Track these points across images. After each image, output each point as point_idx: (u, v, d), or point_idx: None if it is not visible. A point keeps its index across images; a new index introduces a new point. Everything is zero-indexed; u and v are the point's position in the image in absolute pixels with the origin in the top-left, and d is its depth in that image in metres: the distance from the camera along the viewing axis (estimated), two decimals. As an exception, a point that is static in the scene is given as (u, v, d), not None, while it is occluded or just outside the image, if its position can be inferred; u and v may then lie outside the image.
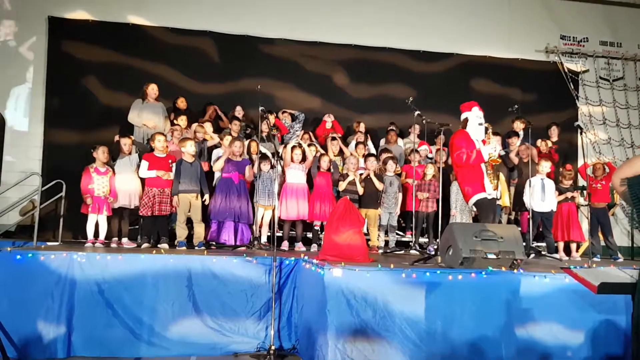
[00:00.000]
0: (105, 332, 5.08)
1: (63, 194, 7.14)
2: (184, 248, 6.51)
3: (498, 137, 8.18)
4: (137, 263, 5.26)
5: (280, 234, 7.44)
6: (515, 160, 8.19)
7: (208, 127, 8.12)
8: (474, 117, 6.26)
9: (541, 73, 10.62)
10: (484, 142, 6.28)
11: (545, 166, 7.80)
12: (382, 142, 9.30)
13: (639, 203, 2.06)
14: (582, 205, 8.44)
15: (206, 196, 6.90)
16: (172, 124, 8.12)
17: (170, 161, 6.96)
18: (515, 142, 8.38)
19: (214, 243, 7.11)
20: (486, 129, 6.30)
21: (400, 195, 7.81)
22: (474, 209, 6.62)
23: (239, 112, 8.78)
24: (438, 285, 4.64)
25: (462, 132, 6.28)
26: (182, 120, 8.06)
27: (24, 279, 5.06)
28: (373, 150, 8.89)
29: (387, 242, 7.82)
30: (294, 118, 9.04)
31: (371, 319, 4.48)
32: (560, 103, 10.55)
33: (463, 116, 6.36)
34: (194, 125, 8.04)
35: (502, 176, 7.93)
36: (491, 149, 6.19)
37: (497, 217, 6.56)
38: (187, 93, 9.09)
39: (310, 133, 8.80)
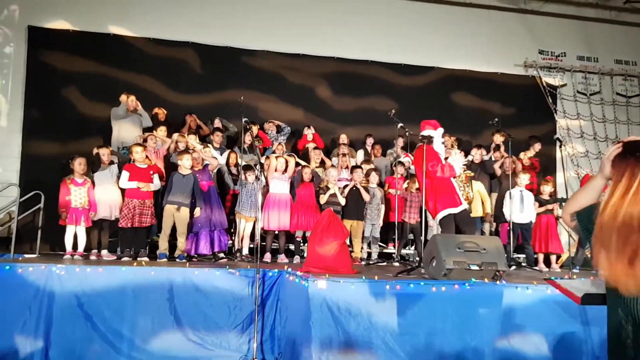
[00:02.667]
0: (84, 346, 4.99)
1: (41, 205, 7.04)
2: (165, 260, 6.45)
3: (481, 149, 8.38)
4: (118, 275, 5.20)
5: (263, 245, 7.39)
6: (498, 172, 8.31)
7: (192, 138, 8.08)
8: (438, 137, 6.43)
9: (520, 87, 10.76)
10: (446, 159, 6.43)
11: (524, 178, 7.90)
12: (360, 154, 9.30)
13: (589, 235, 2.12)
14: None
15: (197, 209, 6.87)
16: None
17: (151, 172, 6.92)
18: (499, 156, 8.49)
19: (196, 256, 7.07)
20: (452, 145, 6.48)
21: (382, 207, 7.85)
22: (439, 226, 6.68)
23: (217, 123, 8.82)
24: (422, 296, 4.64)
25: (429, 147, 6.36)
26: (162, 131, 7.99)
27: (0, 292, 4.95)
28: (354, 163, 8.86)
29: (369, 254, 7.85)
30: (279, 130, 9.05)
31: (355, 331, 4.47)
32: (539, 116, 10.71)
33: (427, 132, 6.45)
34: (175, 136, 7.98)
35: (480, 185, 8.05)
36: (462, 162, 6.35)
37: (475, 228, 6.64)
38: (169, 104, 9.05)
39: (284, 145, 8.77)
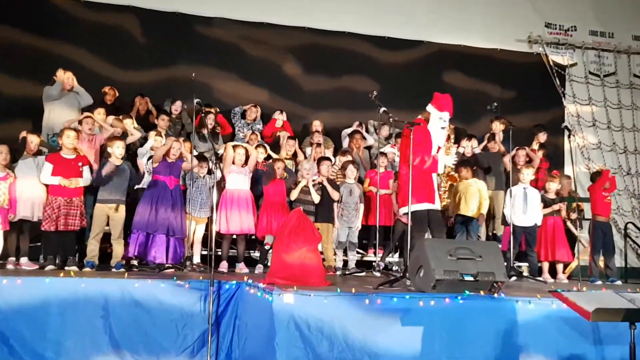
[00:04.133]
0: (-2, 374, 4.92)
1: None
2: (91, 269, 6.43)
3: (472, 140, 8.45)
4: (40, 288, 5.12)
5: (218, 253, 7.34)
6: (509, 167, 8.21)
7: (128, 122, 8.05)
8: (438, 120, 6.44)
9: (523, 66, 10.88)
10: (438, 149, 6.47)
11: (528, 173, 7.96)
12: (345, 145, 9.35)
13: None
14: (572, 220, 8.67)
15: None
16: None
17: (80, 164, 6.83)
18: (493, 147, 8.58)
19: (136, 263, 7.02)
20: (448, 136, 6.47)
21: (362, 207, 7.86)
22: (405, 220, 6.72)
23: (176, 107, 8.84)
24: (407, 312, 4.65)
25: (424, 128, 6.41)
26: (100, 114, 7.92)
27: None
28: (330, 154, 8.96)
29: (345, 262, 7.87)
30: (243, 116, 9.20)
31: (328, 354, 4.47)
32: (544, 101, 10.86)
33: (430, 109, 6.50)
34: (110, 119, 7.91)
35: (481, 184, 8.12)
36: (450, 161, 6.44)
37: (443, 232, 6.78)
38: (107, 81, 9.03)
39: (258, 133, 8.85)
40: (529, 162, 8.58)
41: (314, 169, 7.79)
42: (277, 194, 7.49)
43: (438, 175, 6.41)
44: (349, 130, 9.39)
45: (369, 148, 9.37)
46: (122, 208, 6.76)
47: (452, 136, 6.52)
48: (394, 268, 8.17)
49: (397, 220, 7.63)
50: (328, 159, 8.09)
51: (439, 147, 6.51)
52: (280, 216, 7.31)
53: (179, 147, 7.18)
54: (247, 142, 8.31)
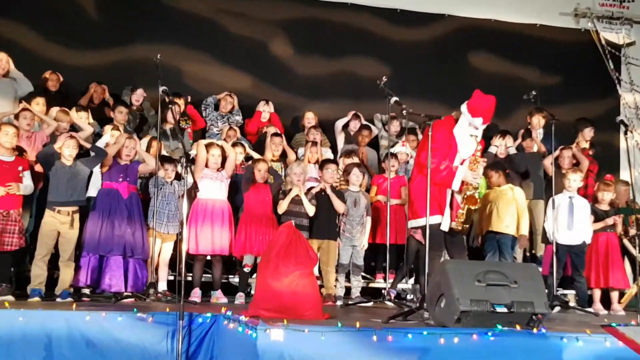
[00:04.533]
0: None
1: None
2: (37, 299, 6.40)
3: (506, 138, 8.39)
4: (-33, 323, 5.12)
5: (189, 278, 7.29)
6: (550, 170, 8.13)
7: (82, 114, 8.08)
8: (467, 125, 6.41)
9: (568, 46, 10.91)
10: (462, 161, 6.45)
11: (575, 179, 7.91)
12: (341, 140, 9.39)
13: None
14: (629, 237, 8.54)
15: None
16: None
17: (21, 168, 6.83)
18: (530, 145, 8.58)
19: (87, 292, 7.00)
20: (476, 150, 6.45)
21: (369, 220, 7.83)
22: (416, 236, 6.88)
23: (137, 97, 8.91)
24: (425, 352, 4.61)
25: (448, 127, 6.42)
26: (38, 105, 7.91)
27: None
28: (330, 155, 9.03)
29: (348, 290, 7.84)
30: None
31: (326, 404, 4.46)
32: (595, 89, 10.87)
33: (463, 108, 6.44)
34: (54, 110, 7.90)
35: (518, 192, 8.05)
36: (473, 178, 6.37)
37: (464, 254, 6.80)
38: (52, 65, 9.03)
39: (237, 128, 8.87)
40: (576, 164, 8.58)
41: (307, 174, 7.79)
42: (259, 203, 7.45)
43: (457, 193, 6.40)
44: (343, 121, 9.43)
45: (376, 147, 9.37)
46: (77, 223, 6.80)
47: (480, 148, 6.47)
48: (409, 297, 8.14)
49: (409, 237, 7.52)
50: (334, 162, 8.08)
51: (463, 160, 6.48)
52: (264, 231, 7.30)
53: (134, 145, 7.19)
54: (224, 140, 8.34)
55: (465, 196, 6.33)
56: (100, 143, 7.63)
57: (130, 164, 7.23)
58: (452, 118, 6.53)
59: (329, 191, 7.57)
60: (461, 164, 6.43)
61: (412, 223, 6.55)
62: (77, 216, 6.84)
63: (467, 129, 6.39)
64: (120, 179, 7.08)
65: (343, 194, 7.75)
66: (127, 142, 7.16)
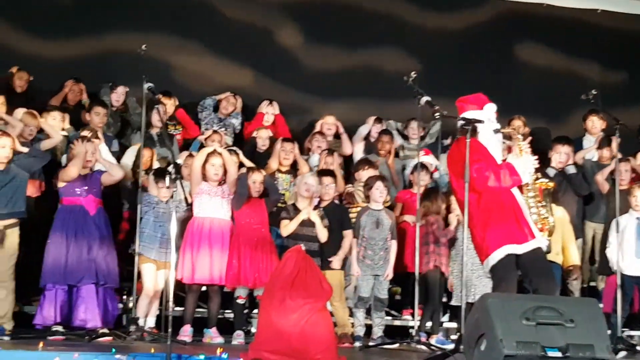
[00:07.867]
0: None
1: None
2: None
3: (565, 146, 8.36)
4: None
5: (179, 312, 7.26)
6: (605, 188, 8.12)
7: (55, 116, 7.90)
8: (488, 122, 6.19)
9: (635, 36, 10.67)
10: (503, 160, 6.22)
11: (642, 197, 7.86)
12: (360, 149, 9.21)
13: None
14: None
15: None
16: None
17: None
18: (607, 157, 8.42)
19: (59, 329, 6.67)
20: (516, 134, 6.30)
21: (394, 245, 7.48)
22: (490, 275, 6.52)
23: (117, 96, 8.85)
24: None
25: (473, 141, 6.06)
26: (-1, 105, 7.98)
27: None
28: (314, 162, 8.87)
29: (369, 329, 7.59)
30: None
31: None
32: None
33: (469, 114, 6.17)
34: (19, 112, 7.71)
35: (563, 212, 7.90)
36: (530, 164, 6.07)
37: (555, 282, 6.48)
38: (18, 58, 9.01)
39: (229, 131, 8.99)
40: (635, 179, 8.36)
41: (320, 189, 7.56)
42: (254, 223, 7.24)
43: (527, 190, 6.00)
44: (367, 129, 9.27)
45: (396, 156, 9.26)
46: (16, 239, 6.65)
47: (523, 134, 6.33)
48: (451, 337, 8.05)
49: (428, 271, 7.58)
50: (330, 173, 7.79)
51: (503, 160, 6.19)
52: (260, 257, 7.14)
53: (93, 149, 7.07)
54: (205, 145, 8.31)
55: (537, 184, 6.07)
56: (124, 160, 7.87)
57: (92, 173, 7.13)
58: (462, 139, 6.12)
59: (311, 215, 7.24)
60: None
61: (489, 261, 5.99)
62: (13, 231, 6.68)
63: (488, 125, 6.10)
64: (85, 192, 6.93)
65: (347, 211, 7.70)
66: (87, 147, 7.06)
